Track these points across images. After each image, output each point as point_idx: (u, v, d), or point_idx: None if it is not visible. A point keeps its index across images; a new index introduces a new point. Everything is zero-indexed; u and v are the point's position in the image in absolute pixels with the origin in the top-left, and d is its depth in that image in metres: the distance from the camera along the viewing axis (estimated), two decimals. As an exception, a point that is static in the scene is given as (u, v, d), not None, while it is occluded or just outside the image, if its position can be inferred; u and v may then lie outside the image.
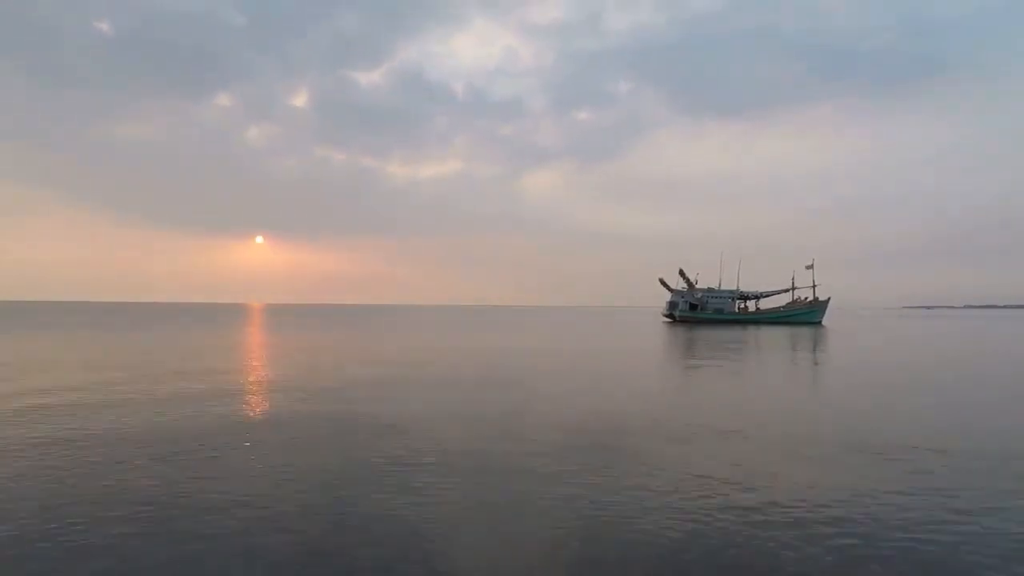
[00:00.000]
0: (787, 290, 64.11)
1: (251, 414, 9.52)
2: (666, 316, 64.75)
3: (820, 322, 60.11)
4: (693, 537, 4.48)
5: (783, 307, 63.94)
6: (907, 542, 4.39)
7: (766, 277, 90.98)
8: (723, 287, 65.09)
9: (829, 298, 62.33)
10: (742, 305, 64.89)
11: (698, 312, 63.17)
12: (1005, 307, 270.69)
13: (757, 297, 65.10)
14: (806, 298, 62.79)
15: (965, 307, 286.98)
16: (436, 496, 5.40)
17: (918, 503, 5.24)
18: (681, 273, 65.36)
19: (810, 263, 62.78)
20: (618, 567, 4.03)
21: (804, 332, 40.84)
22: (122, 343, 26.49)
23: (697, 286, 64.91)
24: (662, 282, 66.50)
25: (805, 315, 61.47)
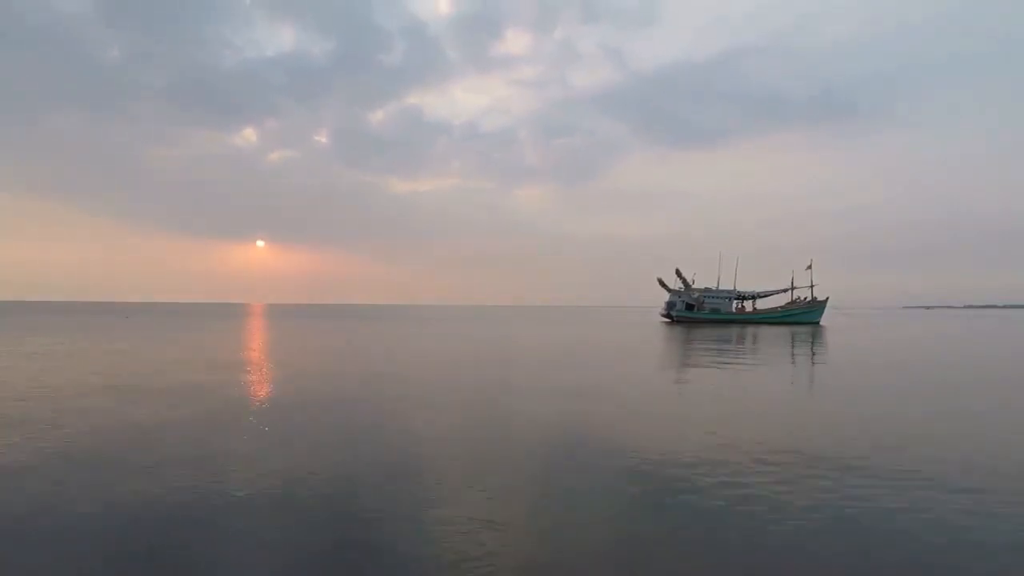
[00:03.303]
0: (785, 290, 63.68)
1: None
2: (664, 316, 64.50)
3: (819, 322, 59.84)
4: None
5: (781, 307, 63.61)
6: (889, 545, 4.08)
7: (755, 277, 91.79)
8: (721, 287, 64.80)
9: (827, 298, 62.02)
10: (739, 305, 64.49)
11: (695, 312, 62.83)
12: (1005, 307, 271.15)
13: (754, 297, 64.69)
14: (805, 298, 62.52)
15: (965, 307, 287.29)
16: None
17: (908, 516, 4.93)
18: (678, 273, 65.01)
19: (809, 263, 62.60)
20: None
21: (802, 332, 40.53)
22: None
23: (694, 286, 64.64)
24: (660, 282, 66.18)
25: (804, 315, 61.13)
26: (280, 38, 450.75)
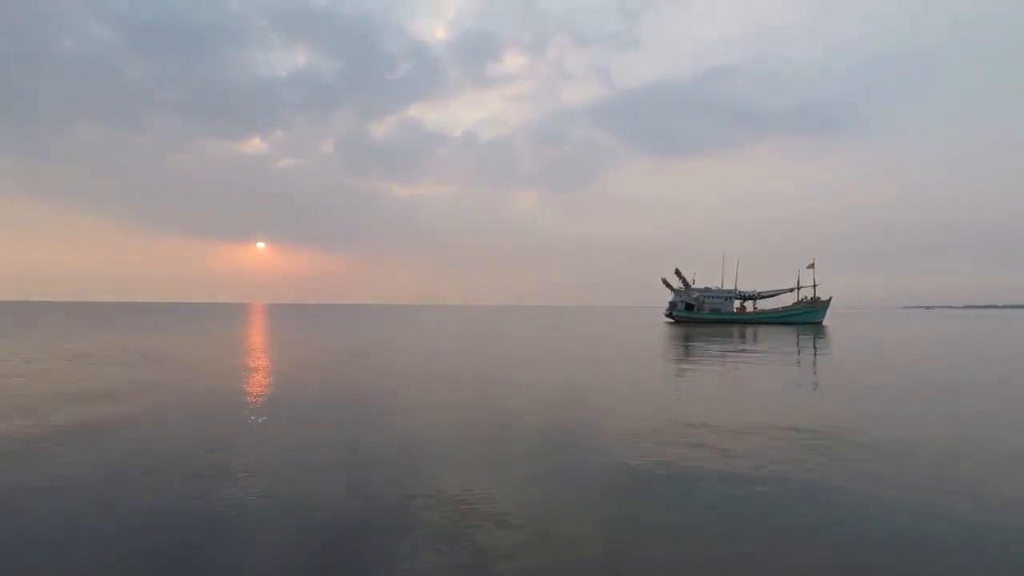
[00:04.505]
0: (789, 290, 63.46)
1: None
2: (667, 316, 64.49)
3: (821, 322, 59.69)
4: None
5: (782, 308, 63.45)
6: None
7: (756, 278, 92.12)
8: (723, 287, 64.74)
9: (831, 298, 61.86)
10: (740, 305, 64.36)
11: (695, 312, 62.81)
12: (1005, 307, 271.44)
13: (755, 297, 64.55)
14: (807, 298, 62.35)
15: (965, 307, 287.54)
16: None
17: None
18: (677, 273, 65.00)
19: (811, 263, 62.45)
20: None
21: (802, 332, 40.50)
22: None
23: (695, 286, 64.60)
24: (664, 282, 66.18)
25: (806, 315, 60.96)
26: (294, 58, 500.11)
